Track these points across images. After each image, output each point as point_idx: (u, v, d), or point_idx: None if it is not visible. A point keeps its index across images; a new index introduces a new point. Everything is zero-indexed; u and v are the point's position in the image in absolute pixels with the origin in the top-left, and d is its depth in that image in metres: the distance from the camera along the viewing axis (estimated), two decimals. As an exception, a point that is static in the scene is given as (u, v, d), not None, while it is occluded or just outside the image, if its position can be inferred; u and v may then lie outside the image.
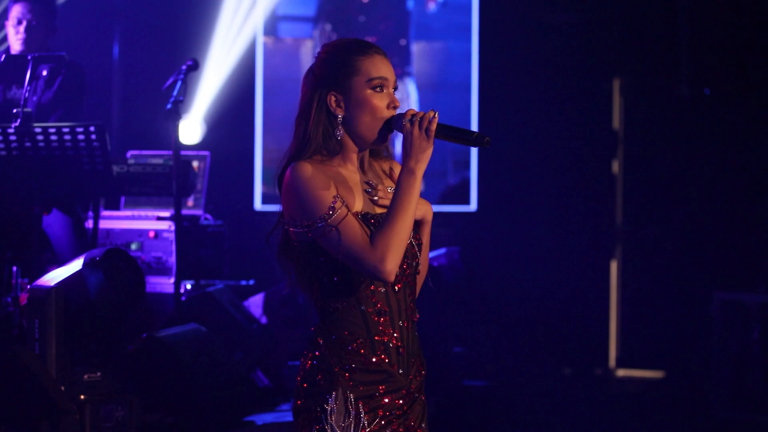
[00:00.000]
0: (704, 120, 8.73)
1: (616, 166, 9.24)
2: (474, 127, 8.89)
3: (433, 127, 2.93)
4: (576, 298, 9.25)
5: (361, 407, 2.95)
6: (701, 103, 8.76)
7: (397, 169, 3.12)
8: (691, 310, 8.70)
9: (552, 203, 9.03)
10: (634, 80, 9.30)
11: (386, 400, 2.98)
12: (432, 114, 2.94)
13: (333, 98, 2.99)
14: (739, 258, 8.59)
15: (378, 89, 2.98)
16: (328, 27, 8.87)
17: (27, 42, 6.45)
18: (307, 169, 2.93)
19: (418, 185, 2.94)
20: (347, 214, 2.91)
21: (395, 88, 3.03)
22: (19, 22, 6.44)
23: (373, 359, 2.97)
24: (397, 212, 2.92)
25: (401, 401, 3.00)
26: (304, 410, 2.96)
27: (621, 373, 9.35)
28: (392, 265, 2.89)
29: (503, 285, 9.11)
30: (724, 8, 8.71)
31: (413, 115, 2.95)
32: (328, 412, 2.93)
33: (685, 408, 8.10)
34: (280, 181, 3.01)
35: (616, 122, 9.33)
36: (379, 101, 2.99)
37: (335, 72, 2.99)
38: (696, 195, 8.83)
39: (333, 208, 2.90)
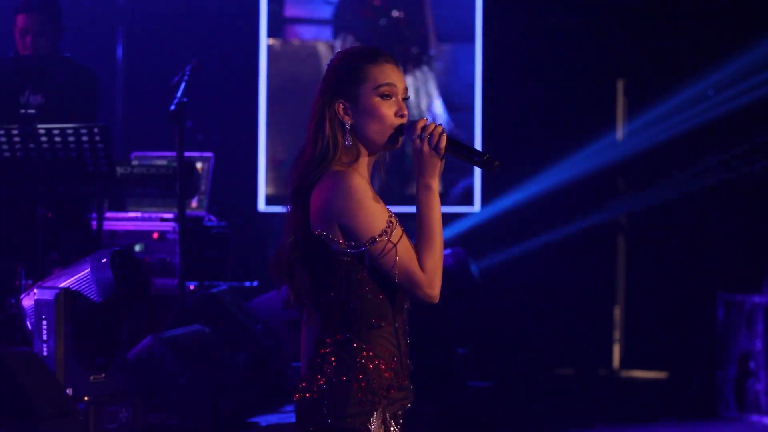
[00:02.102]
0: (707, 119, 8.73)
1: (619, 167, 9.24)
2: (477, 127, 8.89)
3: (442, 144, 2.90)
4: (580, 298, 9.25)
5: (393, 425, 2.95)
6: (703, 102, 8.77)
7: None
8: (696, 310, 8.70)
9: (556, 204, 9.03)
10: (638, 81, 9.31)
11: (400, 413, 2.99)
12: (440, 129, 2.91)
13: (341, 106, 2.95)
14: (744, 259, 8.59)
15: (386, 97, 2.95)
16: (350, 38, 8.85)
17: (34, 50, 6.45)
18: (357, 179, 2.89)
19: (437, 199, 2.92)
20: (403, 232, 2.89)
21: (406, 98, 3.00)
22: (25, 33, 6.43)
23: (403, 376, 2.97)
24: (431, 232, 2.90)
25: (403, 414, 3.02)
26: (340, 429, 2.89)
27: (625, 373, 9.35)
28: (439, 287, 2.89)
29: (507, 286, 9.10)
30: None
31: (423, 129, 2.91)
32: (373, 431, 2.90)
33: (690, 409, 8.10)
34: (301, 192, 2.95)
35: (620, 123, 9.33)
36: (387, 109, 2.95)
37: (344, 79, 2.96)
38: (701, 195, 8.82)
39: (392, 223, 2.87)
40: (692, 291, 8.83)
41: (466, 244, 8.43)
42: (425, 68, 8.93)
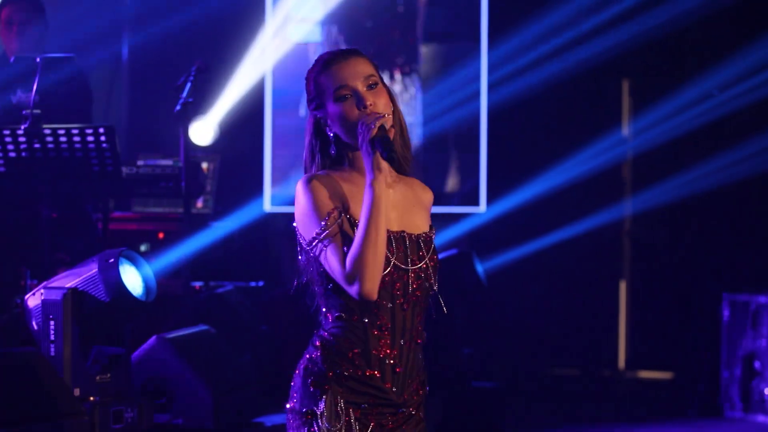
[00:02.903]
0: (713, 119, 8.72)
1: (625, 168, 9.23)
2: (484, 128, 8.88)
3: (370, 137, 2.92)
4: (585, 299, 9.24)
5: (351, 413, 2.96)
6: (709, 102, 8.76)
7: (425, 195, 3.15)
8: (701, 311, 8.69)
9: (561, 204, 9.02)
10: (644, 81, 9.29)
11: (377, 413, 2.99)
12: (375, 122, 2.93)
13: (319, 119, 3.05)
14: (749, 259, 8.58)
15: (343, 99, 2.99)
16: (334, 29, 8.85)
17: (21, 43, 6.43)
18: (309, 182, 2.96)
19: (378, 199, 2.91)
20: (337, 233, 2.92)
21: (372, 85, 3.00)
22: (11, 24, 6.42)
23: (367, 372, 2.97)
24: (361, 230, 2.91)
25: (393, 417, 3.01)
26: (296, 411, 2.98)
27: (630, 374, 9.34)
28: (369, 284, 2.89)
29: (513, 286, 9.09)
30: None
31: (362, 125, 2.95)
32: (319, 415, 2.94)
33: (695, 409, 8.09)
34: None
35: (625, 122, 9.32)
36: (349, 110, 2.98)
37: (312, 96, 3.06)
38: (706, 195, 8.81)
39: (325, 226, 2.93)
40: (697, 291, 8.82)
41: (471, 244, 8.43)
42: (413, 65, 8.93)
